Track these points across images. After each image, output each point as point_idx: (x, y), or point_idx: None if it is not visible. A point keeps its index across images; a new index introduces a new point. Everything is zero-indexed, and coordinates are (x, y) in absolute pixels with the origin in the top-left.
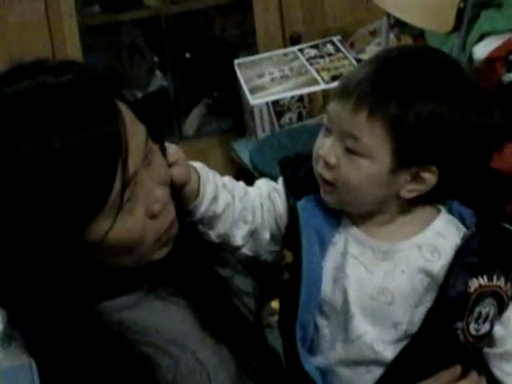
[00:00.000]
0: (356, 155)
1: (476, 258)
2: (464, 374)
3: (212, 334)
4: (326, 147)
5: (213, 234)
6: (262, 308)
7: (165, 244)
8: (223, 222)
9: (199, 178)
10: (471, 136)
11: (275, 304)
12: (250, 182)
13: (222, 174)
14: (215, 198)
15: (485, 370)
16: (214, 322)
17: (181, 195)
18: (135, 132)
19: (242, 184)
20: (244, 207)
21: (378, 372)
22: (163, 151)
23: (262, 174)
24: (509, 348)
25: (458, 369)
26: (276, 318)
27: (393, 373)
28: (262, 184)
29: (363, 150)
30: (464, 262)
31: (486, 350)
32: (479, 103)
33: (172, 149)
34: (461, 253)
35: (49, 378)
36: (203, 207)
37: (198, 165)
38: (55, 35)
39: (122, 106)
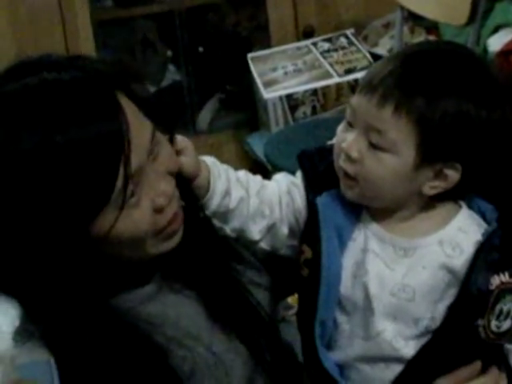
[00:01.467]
0: (380, 150)
1: (498, 254)
2: (484, 370)
3: (225, 327)
4: (348, 141)
5: (228, 229)
6: (277, 302)
7: (169, 237)
8: (238, 216)
9: (209, 173)
10: (496, 133)
11: (290, 299)
12: (264, 176)
13: (236, 168)
14: (227, 193)
15: (506, 366)
16: (227, 316)
17: (192, 189)
18: (139, 128)
19: (258, 178)
20: (261, 201)
21: (397, 368)
22: (172, 141)
23: (277, 168)
24: None
25: (477, 365)
26: (291, 312)
27: (413, 369)
28: (281, 178)
29: (388, 145)
30: (486, 258)
31: (507, 346)
32: (504, 100)
33: (179, 138)
34: (482, 249)
35: (67, 373)
36: (215, 202)
37: (209, 159)
38: (68, 29)
39: (126, 102)
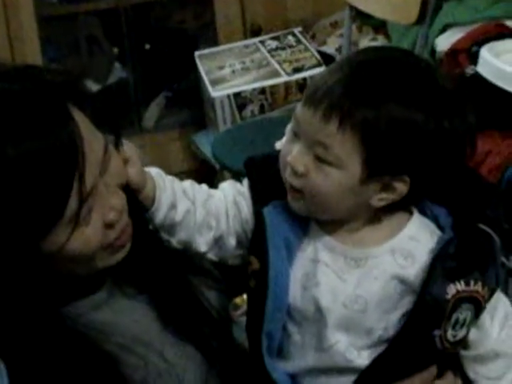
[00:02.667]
0: (326, 164)
1: (454, 262)
2: (440, 375)
3: (177, 331)
4: (293, 154)
5: (174, 241)
6: (228, 303)
7: (117, 250)
8: (184, 229)
9: (155, 185)
10: (445, 143)
11: (238, 299)
12: (211, 174)
13: (183, 167)
14: (173, 206)
15: (461, 372)
16: (179, 320)
17: (138, 201)
18: (92, 142)
19: (204, 188)
20: (207, 213)
21: (352, 377)
22: (118, 147)
23: (224, 167)
24: (482, 351)
25: (433, 370)
26: (239, 312)
27: (366, 378)
28: (227, 187)
29: (333, 159)
30: (442, 267)
31: (461, 352)
32: (453, 108)
33: (125, 147)
34: (439, 258)
35: (18, 378)
36: (160, 215)
37: (153, 171)
38: (12, 25)
39: (78, 114)
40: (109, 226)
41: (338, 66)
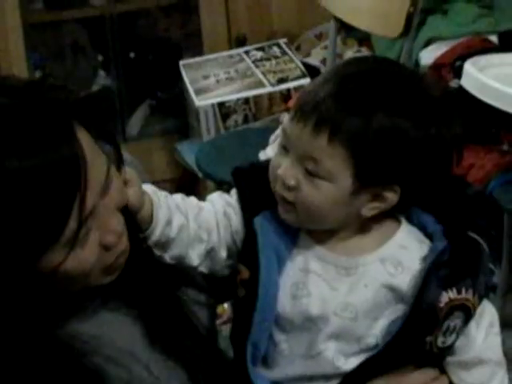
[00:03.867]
0: (316, 177)
1: (447, 270)
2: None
3: (162, 345)
4: (284, 168)
5: (167, 257)
6: (215, 317)
7: (112, 272)
8: (178, 244)
9: (152, 204)
10: (432, 150)
11: (219, 308)
12: (194, 183)
13: (166, 175)
14: (168, 222)
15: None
16: (164, 334)
17: (135, 221)
18: (95, 163)
19: (194, 201)
20: (199, 226)
21: (336, 383)
22: (120, 167)
23: (208, 176)
24: (467, 357)
25: (431, 371)
26: (219, 320)
27: (350, 381)
28: (216, 199)
29: (324, 173)
30: (436, 275)
31: (446, 358)
32: (440, 117)
33: (126, 169)
34: (433, 266)
35: None
36: (157, 232)
37: (149, 188)
38: None
39: (82, 133)
40: (107, 248)
41: (326, 78)
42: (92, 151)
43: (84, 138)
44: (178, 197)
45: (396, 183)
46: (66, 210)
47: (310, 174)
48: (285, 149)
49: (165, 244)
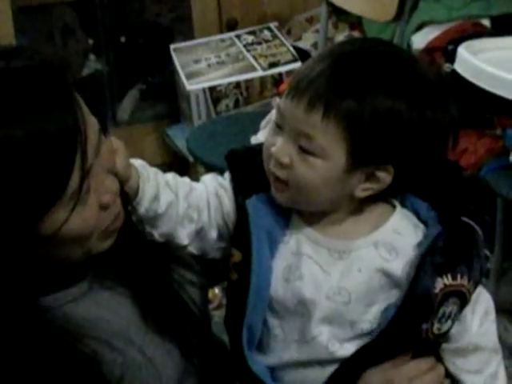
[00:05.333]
0: (310, 154)
1: (441, 256)
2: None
3: (157, 326)
4: (278, 146)
5: (156, 234)
6: (207, 299)
7: (109, 235)
8: (166, 221)
9: (139, 176)
10: (428, 133)
11: (210, 294)
12: (185, 168)
13: (157, 160)
14: (156, 198)
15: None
16: (158, 314)
17: (123, 192)
18: (90, 122)
19: (187, 180)
20: (189, 205)
21: (331, 368)
22: (105, 134)
23: (199, 161)
24: (462, 344)
25: (427, 360)
26: (210, 306)
27: (346, 368)
28: (209, 180)
29: (317, 150)
30: (431, 261)
31: (442, 345)
32: (436, 99)
33: (112, 139)
34: (428, 252)
35: None
36: (143, 207)
37: (138, 162)
38: None
39: (77, 96)
40: (104, 208)
41: (321, 57)
42: (86, 111)
43: (78, 98)
44: (170, 175)
45: (390, 163)
46: (69, 166)
47: (304, 151)
48: (279, 127)
49: (153, 220)
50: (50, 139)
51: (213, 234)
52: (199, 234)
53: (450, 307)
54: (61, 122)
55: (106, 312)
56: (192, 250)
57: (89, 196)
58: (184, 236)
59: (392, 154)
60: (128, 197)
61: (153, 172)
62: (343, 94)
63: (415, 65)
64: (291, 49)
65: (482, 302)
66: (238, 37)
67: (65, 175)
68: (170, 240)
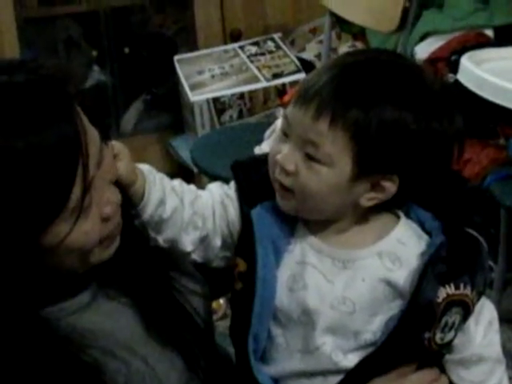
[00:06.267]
0: (316, 162)
1: (444, 265)
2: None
3: (161, 336)
4: (283, 153)
5: (161, 239)
6: (211, 308)
7: (110, 244)
8: (171, 226)
9: (145, 180)
10: (434, 143)
11: (214, 304)
12: (189, 178)
13: (160, 170)
14: (162, 202)
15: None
16: (162, 324)
17: (127, 196)
18: (92, 134)
19: (192, 188)
20: (194, 212)
21: (336, 379)
22: (106, 142)
23: (203, 172)
24: (466, 355)
25: (431, 372)
26: (215, 316)
27: (351, 379)
28: (215, 188)
29: (324, 158)
30: (433, 270)
31: (445, 356)
32: (442, 110)
33: (114, 143)
34: (431, 262)
35: None
36: (149, 210)
37: (145, 167)
38: None
39: (78, 108)
40: (105, 219)
41: (328, 66)
42: (87, 123)
43: (79, 111)
44: (176, 181)
45: (395, 173)
46: (70, 180)
47: (310, 159)
48: (285, 135)
49: (158, 224)
50: (50, 151)
51: (217, 242)
52: (203, 241)
53: (453, 317)
54: (61, 134)
55: (109, 322)
56: (195, 257)
57: (91, 208)
58: (188, 242)
59: (398, 163)
60: (130, 202)
61: (159, 177)
62: (350, 104)
63: (421, 75)
64: (295, 59)
65: (486, 312)
66: (242, 48)
67: (66, 188)
68: (173, 246)
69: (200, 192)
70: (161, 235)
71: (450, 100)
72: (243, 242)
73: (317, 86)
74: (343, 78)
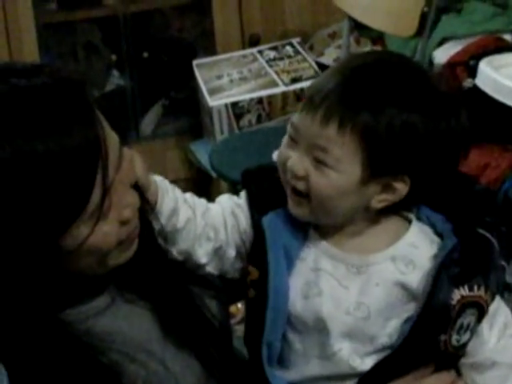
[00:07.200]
0: (325, 166)
1: (457, 267)
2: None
3: (176, 339)
4: (293, 159)
5: (175, 251)
6: (228, 313)
7: (128, 247)
8: (185, 237)
9: (158, 188)
10: (442, 143)
11: (233, 308)
12: (207, 183)
13: (179, 175)
14: (175, 212)
15: None
16: (179, 327)
17: (143, 202)
18: (111, 138)
19: (203, 200)
20: (206, 224)
21: (351, 382)
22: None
23: (221, 176)
24: (479, 358)
25: (448, 375)
26: (233, 321)
27: (367, 382)
28: (224, 200)
29: (333, 162)
30: (447, 273)
31: (462, 360)
32: (449, 109)
33: (128, 150)
34: (444, 264)
35: (18, 381)
36: (162, 219)
37: (158, 178)
38: (12, 32)
39: (98, 112)
40: (124, 222)
41: (334, 71)
42: (107, 127)
43: (99, 114)
44: (187, 194)
45: (406, 174)
46: (90, 182)
47: (319, 163)
48: (293, 141)
49: (171, 234)
50: (70, 155)
51: (231, 252)
52: (217, 252)
53: (468, 318)
54: (82, 137)
55: (127, 325)
56: (210, 269)
57: (110, 211)
58: (202, 254)
59: (408, 164)
60: (148, 206)
61: (171, 187)
62: (358, 107)
63: (426, 76)
64: (313, 64)
65: (500, 316)
66: (261, 52)
67: (86, 191)
68: (188, 258)
69: (210, 205)
70: (175, 247)
71: (455, 99)
72: (255, 251)
73: (323, 92)
74: (349, 83)
